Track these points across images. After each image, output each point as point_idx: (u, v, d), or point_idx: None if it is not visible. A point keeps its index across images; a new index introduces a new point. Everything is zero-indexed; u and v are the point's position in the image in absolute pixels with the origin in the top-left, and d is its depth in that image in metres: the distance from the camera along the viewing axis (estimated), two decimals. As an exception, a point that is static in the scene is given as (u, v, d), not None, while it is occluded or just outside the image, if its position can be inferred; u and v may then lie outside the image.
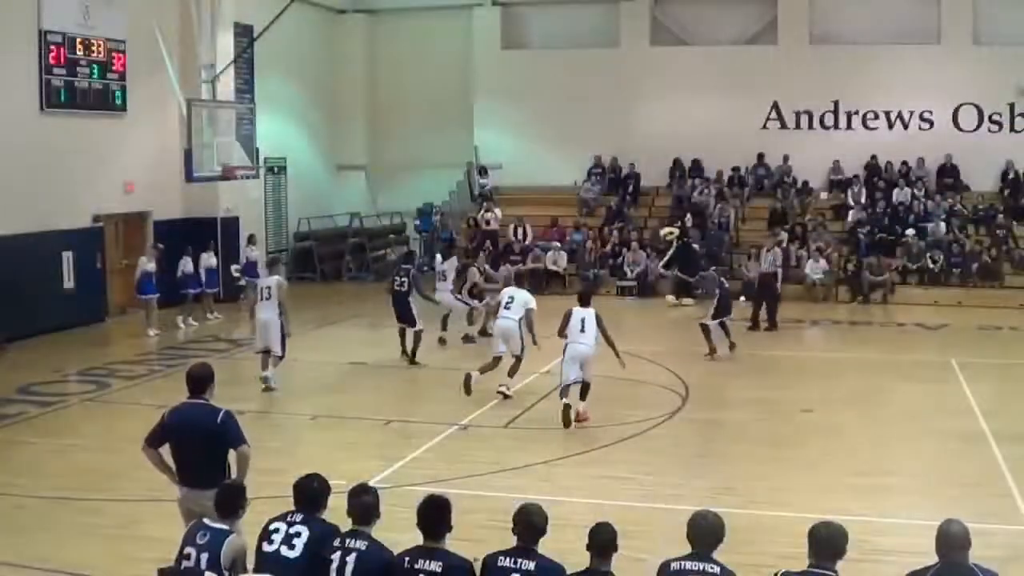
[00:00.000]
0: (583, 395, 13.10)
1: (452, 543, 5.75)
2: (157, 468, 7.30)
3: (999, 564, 5.88)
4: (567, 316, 13.16)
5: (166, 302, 20.34)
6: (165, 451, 7.27)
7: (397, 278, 17.15)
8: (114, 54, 20.93)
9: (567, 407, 12.83)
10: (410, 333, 16.87)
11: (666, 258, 25.15)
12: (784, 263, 21.98)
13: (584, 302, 13.31)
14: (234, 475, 6.98)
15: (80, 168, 20.34)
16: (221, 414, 7.09)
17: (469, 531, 7.72)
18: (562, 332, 13.08)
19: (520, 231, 26.95)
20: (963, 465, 11.29)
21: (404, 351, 16.98)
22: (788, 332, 20.01)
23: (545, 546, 5.62)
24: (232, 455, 7.11)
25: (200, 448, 7.04)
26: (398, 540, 5.84)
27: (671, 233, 24.49)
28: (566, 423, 12.77)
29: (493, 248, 26.55)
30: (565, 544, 5.91)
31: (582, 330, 12.93)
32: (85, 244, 20.48)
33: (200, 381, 7.25)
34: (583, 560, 5.59)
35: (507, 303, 14.32)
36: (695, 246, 24.95)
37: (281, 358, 14.94)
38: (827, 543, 5.37)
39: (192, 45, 20.94)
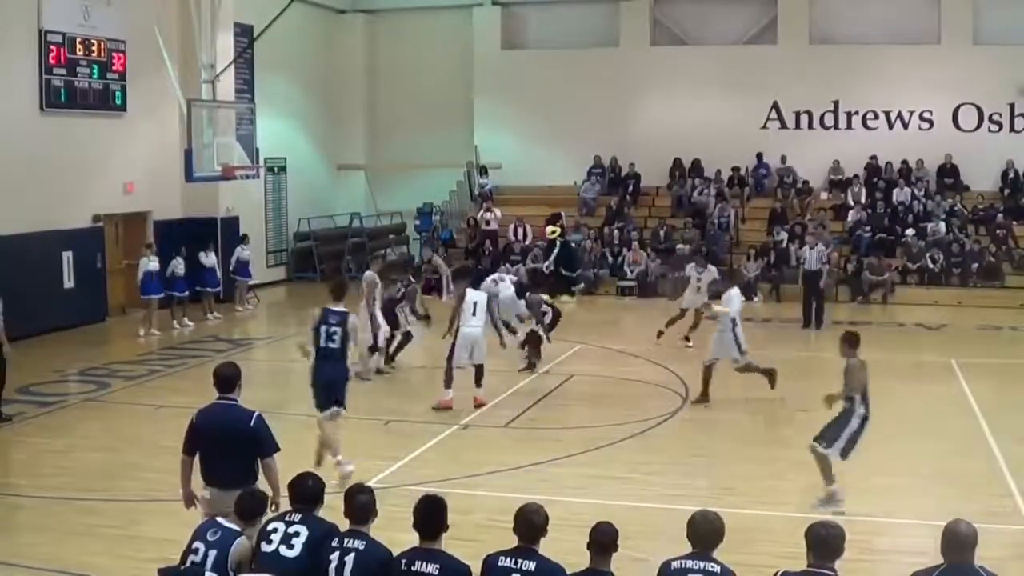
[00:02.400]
0: (478, 380, 13.79)
1: (452, 543, 5.75)
2: (181, 478, 7.24)
3: (1000, 564, 5.88)
4: (460, 300, 13.80)
5: (161, 303, 20.32)
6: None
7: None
8: (114, 54, 20.94)
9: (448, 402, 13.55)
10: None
11: (552, 257, 25.31)
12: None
13: (475, 285, 14.09)
14: (265, 481, 6.99)
15: (80, 168, 20.35)
16: (254, 418, 7.05)
17: (469, 531, 7.74)
18: (455, 316, 13.69)
19: (520, 231, 26.92)
20: (963, 465, 11.27)
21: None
22: (788, 332, 20.01)
23: (545, 546, 5.61)
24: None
25: (230, 449, 6.99)
26: (398, 540, 5.84)
27: (554, 232, 24.57)
28: (439, 409, 13.52)
29: (493, 248, 26.58)
30: (565, 544, 5.90)
31: (473, 313, 13.57)
32: (85, 244, 20.46)
33: (228, 380, 7.21)
34: (583, 560, 5.58)
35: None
36: (573, 244, 25.14)
37: (370, 348, 15.38)
38: (826, 543, 5.36)
39: (192, 45, 20.88)
